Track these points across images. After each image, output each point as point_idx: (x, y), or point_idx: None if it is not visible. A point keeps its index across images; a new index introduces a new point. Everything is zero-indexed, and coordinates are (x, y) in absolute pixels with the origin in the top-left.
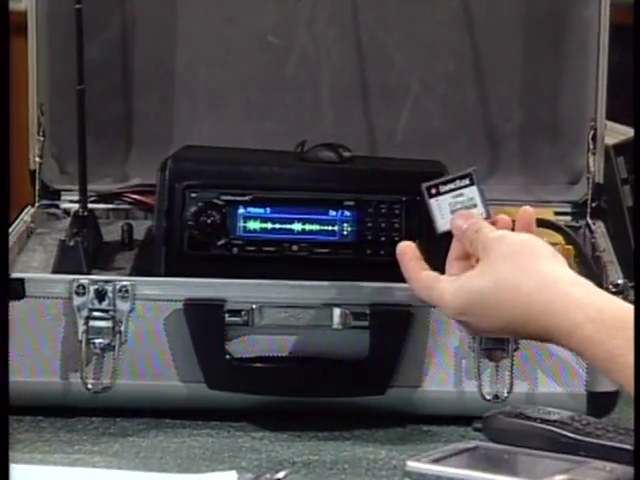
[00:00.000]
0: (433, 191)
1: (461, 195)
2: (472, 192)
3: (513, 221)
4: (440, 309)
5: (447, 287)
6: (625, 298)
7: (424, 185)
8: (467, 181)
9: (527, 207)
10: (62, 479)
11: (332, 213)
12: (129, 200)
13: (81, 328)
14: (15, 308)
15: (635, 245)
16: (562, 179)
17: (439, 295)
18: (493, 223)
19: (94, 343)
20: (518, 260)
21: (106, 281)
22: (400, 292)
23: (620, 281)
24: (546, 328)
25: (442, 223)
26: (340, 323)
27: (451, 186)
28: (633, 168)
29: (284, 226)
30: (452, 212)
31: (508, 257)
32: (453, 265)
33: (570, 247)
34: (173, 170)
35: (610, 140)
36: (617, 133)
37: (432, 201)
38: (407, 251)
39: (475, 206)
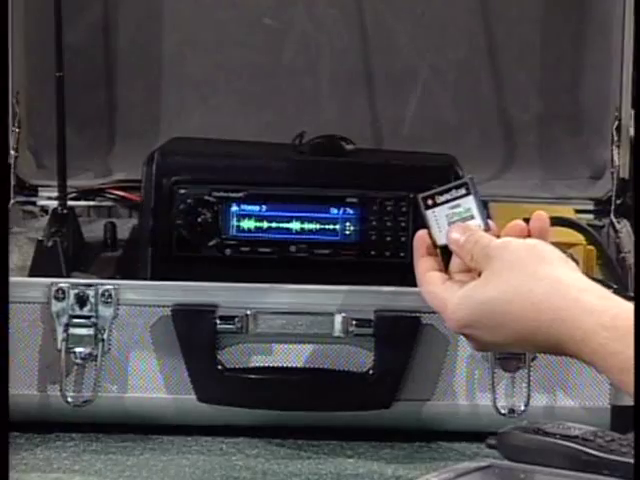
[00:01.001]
0: (429, 202)
1: (458, 206)
2: (469, 202)
3: (527, 220)
4: (443, 320)
5: (450, 298)
6: None
7: (420, 196)
8: (463, 190)
9: (540, 212)
10: None
11: (333, 211)
12: (112, 197)
13: (60, 336)
14: None
15: (635, 246)
16: (584, 173)
17: (442, 304)
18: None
19: (74, 352)
20: (525, 267)
21: (87, 285)
22: (408, 297)
23: None
24: (557, 337)
25: (440, 236)
26: (342, 331)
27: (447, 196)
28: (633, 166)
29: (281, 225)
30: (449, 224)
31: (514, 264)
32: (455, 278)
33: (592, 248)
34: (160, 164)
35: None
36: None
37: (428, 213)
38: (421, 244)
39: (472, 217)
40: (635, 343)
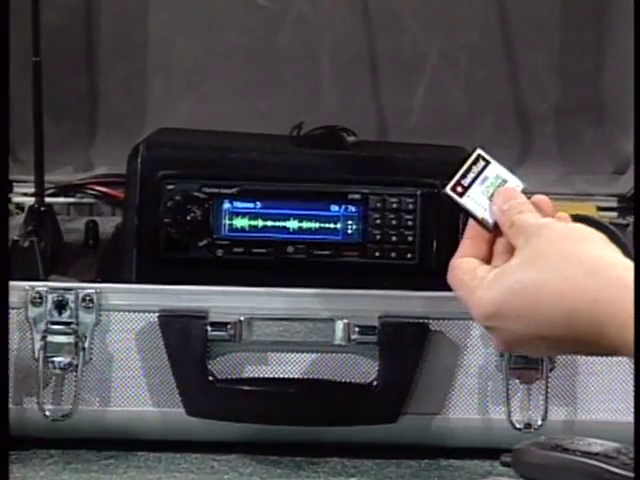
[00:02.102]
0: (459, 189)
1: (486, 179)
2: (495, 169)
3: None
4: (469, 309)
5: (479, 284)
6: None
7: (445, 190)
8: (482, 162)
9: (562, 214)
10: None
11: (334, 208)
12: (94, 193)
13: (38, 344)
14: None
15: (635, 244)
16: (606, 168)
17: (469, 291)
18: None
19: (53, 362)
20: (566, 246)
21: (67, 289)
22: (415, 302)
23: None
24: (598, 321)
25: (487, 214)
26: (344, 338)
27: (471, 175)
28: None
29: (277, 224)
30: (490, 199)
31: (555, 243)
32: (495, 262)
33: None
34: (146, 157)
35: None
36: None
37: (465, 200)
38: (472, 226)
39: (506, 181)
40: (635, 343)
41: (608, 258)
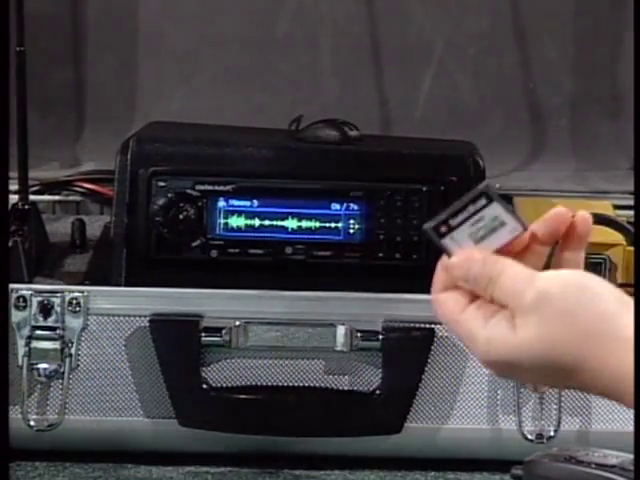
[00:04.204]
0: (443, 229)
1: (481, 219)
2: (494, 210)
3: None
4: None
5: (477, 330)
6: None
7: (427, 227)
8: (483, 201)
9: (560, 208)
10: None
11: (335, 207)
12: (81, 190)
13: (21, 350)
14: None
15: (635, 244)
16: (623, 163)
17: (471, 335)
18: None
19: (38, 369)
20: (574, 318)
21: (53, 292)
22: (420, 306)
23: None
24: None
25: None
26: (345, 344)
27: (464, 214)
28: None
29: (275, 223)
30: (476, 242)
31: (565, 316)
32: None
33: (632, 249)
34: (136, 152)
35: None
36: None
37: (446, 241)
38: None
39: (504, 224)
40: (635, 345)
41: (616, 317)
